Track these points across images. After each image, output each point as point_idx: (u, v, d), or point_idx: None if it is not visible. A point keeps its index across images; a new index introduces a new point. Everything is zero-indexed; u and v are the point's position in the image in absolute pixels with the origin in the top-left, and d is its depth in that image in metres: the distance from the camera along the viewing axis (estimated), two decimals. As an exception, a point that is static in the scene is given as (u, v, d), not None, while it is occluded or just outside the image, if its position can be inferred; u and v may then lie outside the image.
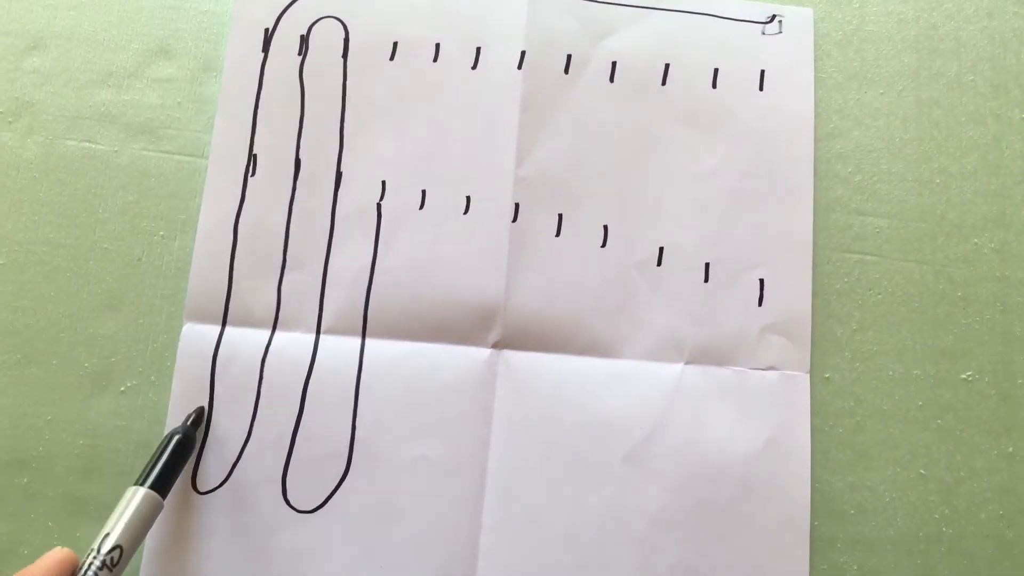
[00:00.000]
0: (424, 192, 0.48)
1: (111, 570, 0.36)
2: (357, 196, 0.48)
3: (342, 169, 0.49)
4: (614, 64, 0.50)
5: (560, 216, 0.48)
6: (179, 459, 0.42)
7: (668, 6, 0.51)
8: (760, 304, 0.48)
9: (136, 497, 0.39)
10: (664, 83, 0.50)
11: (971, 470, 0.46)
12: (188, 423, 0.44)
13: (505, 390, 0.46)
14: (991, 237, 0.49)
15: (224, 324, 0.46)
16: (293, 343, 0.46)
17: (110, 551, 0.36)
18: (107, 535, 0.37)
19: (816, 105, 0.51)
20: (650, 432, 0.46)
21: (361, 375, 0.46)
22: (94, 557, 0.36)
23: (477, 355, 0.47)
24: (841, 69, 0.51)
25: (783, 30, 0.51)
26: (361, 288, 0.47)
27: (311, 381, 0.46)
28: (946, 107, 0.51)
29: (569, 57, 0.50)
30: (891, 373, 0.47)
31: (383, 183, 0.48)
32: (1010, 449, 0.46)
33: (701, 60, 0.51)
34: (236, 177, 0.48)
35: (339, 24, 0.50)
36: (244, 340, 0.46)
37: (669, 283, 0.48)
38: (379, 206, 0.48)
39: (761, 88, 0.50)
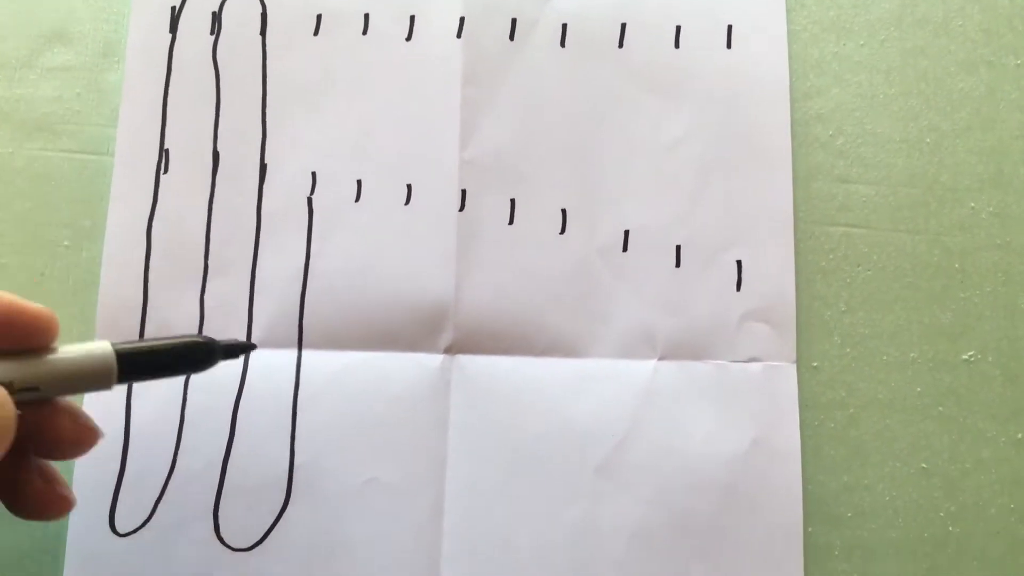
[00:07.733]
0: (359, 182, 0.44)
1: None
2: (285, 190, 0.44)
3: (266, 160, 0.45)
4: (564, 27, 0.46)
5: (512, 202, 0.44)
6: (176, 360, 0.34)
7: (622, -41, 0.47)
8: (738, 289, 0.44)
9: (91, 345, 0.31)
10: (621, 45, 0.46)
11: (977, 461, 0.43)
12: (220, 343, 0.35)
13: (461, 399, 0.42)
14: (989, 200, 0.46)
15: (141, 343, 0.42)
16: (220, 360, 0.42)
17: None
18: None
19: (790, 61, 0.47)
20: (623, 438, 0.42)
21: (298, 392, 0.42)
22: None
23: (428, 362, 0.43)
24: (816, 20, 0.47)
25: (751, -20, 0.47)
26: (294, 294, 0.43)
27: (241, 402, 0.42)
28: (933, 57, 0.47)
29: (514, 21, 0.46)
30: (885, 358, 0.44)
31: (313, 174, 0.44)
32: (1019, 435, 0.43)
33: (661, 17, 0.47)
34: (147, 176, 0.44)
35: (253, -3, 0.46)
36: (165, 360, 0.42)
37: (637, 270, 0.44)
38: (310, 200, 0.44)
39: (729, 46, 0.47)
